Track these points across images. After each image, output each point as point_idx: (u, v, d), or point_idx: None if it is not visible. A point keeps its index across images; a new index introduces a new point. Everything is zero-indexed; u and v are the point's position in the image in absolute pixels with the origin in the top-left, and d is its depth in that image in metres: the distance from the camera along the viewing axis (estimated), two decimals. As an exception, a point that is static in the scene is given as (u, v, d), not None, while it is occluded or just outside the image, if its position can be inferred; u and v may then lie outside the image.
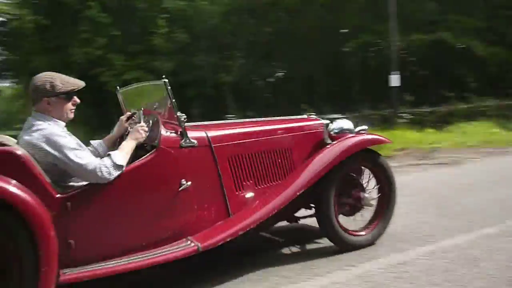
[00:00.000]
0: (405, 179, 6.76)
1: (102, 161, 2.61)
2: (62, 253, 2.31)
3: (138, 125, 2.91)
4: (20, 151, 2.36)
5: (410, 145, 10.49)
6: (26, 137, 2.54)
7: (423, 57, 16.65)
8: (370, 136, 3.74)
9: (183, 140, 2.92)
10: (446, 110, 13.84)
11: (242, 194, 3.22)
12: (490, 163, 8.10)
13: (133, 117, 3.15)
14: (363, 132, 3.77)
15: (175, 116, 2.92)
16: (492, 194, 5.25)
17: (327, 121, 3.82)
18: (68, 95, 2.69)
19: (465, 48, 15.20)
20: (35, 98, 2.65)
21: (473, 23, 14.60)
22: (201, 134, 3.06)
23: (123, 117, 3.25)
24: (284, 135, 3.53)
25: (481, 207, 4.67)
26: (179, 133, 2.93)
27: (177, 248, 2.76)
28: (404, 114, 12.42)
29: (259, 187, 3.33)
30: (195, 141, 2.98)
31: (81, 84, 2.75)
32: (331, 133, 3.75)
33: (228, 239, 2.87)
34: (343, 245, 3.41)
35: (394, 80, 12.15)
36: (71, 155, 2.52)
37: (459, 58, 15.25)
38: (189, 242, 2.81)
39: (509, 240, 3.64)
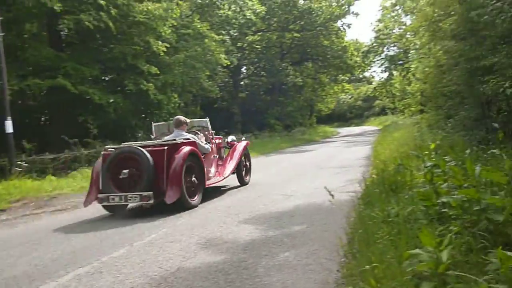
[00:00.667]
0: (15, 231, 6.18)
1: (207, 145, 7.86)
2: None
3: (200, 135, 8.12)
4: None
5: (28, 194, 9.84)
6: (184, 138, 7.18)
7: (44, 103, 16.23)
8: (246, 141, 9.91)
9: (214, 140, 8.47)
10: (69, 156, 13.75)
11: (218, 163, 8.41)
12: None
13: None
14: (243, 140, 10.39)
15: (210, 131, 8.48)
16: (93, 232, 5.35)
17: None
18: (187, 124, 7.72)
19: (87, 95, 15.61)
20: (178, 124, 7.54)
21: (89, 71, 15.26)
22: (214, 140, 8.55)
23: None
24: (219, 140, 9.12)
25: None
26: (212, 137, 8.45)
27: (219, 179, 8.12)
28: (22, 163, 11.55)
29: (219, 162, 8.50)
30: (216, 141, 8.71)
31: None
32: (228, 141, 9.38)
33: (222, 180, 8.27)
34: (244, 184, 8.91)
35: (8, 126, 11.21)
36: (202, 143, 7.64)
37: (80, 104, 15.60)
38: (218, 177, 8.09)
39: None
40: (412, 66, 27.71)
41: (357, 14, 48.20)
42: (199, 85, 21.14)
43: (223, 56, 21.05)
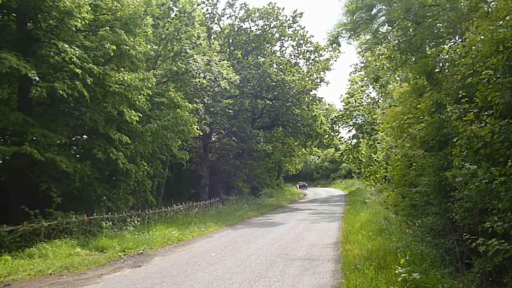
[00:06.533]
0: None
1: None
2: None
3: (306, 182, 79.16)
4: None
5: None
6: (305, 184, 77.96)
7: (6, 170, 15.57)
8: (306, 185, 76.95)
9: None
10: (28, 229, 13.10)
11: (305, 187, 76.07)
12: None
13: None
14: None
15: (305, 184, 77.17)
16: None
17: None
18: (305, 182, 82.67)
19: (53, 162, 15.05)
20: (304, 182, 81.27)
21: (58, 138, 14.82)
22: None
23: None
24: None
25: None
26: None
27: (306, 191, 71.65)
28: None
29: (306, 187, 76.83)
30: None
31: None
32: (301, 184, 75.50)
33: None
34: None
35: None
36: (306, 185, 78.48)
37: (44, 172, 15.04)
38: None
39: None
40: (377, 145, 28.68)
41: (327, 83, 50.05)
42: (169, 153, 20.98)
43: (196, 126, 21.08)
